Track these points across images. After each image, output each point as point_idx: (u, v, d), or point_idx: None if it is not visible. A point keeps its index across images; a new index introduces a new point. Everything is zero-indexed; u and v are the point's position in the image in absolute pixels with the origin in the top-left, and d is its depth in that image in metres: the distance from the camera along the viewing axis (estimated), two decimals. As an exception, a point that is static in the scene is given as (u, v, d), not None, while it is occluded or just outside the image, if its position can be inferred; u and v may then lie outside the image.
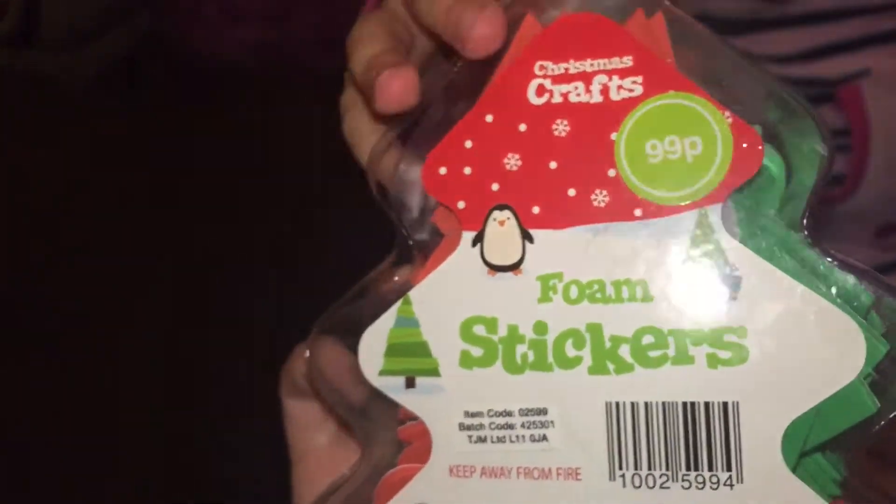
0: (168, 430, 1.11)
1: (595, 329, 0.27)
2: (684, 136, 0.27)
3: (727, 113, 0.26)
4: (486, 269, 0.28)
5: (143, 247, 1.38)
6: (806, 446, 0.26)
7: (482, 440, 0.28)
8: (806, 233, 0.27)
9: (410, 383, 0.29)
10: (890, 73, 0.51)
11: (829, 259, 0.27)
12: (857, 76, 0.51)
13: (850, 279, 0.26)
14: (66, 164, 1.50)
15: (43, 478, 1.10)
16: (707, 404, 0.26)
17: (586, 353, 0.27)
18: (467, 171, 0.29)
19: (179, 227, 1.38)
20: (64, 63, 1.64)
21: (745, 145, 0.26)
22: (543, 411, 0.28)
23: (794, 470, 0.26)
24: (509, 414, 0.28)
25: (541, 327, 0.28)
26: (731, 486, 0.26)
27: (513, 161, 0.28)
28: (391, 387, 0.29)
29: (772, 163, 0.27)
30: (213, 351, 1.13)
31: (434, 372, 0.29)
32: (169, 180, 1.43)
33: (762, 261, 0.26)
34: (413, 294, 0.29)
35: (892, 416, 0.25)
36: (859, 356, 0.25)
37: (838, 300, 0.26)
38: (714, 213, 0.26)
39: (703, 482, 0.26)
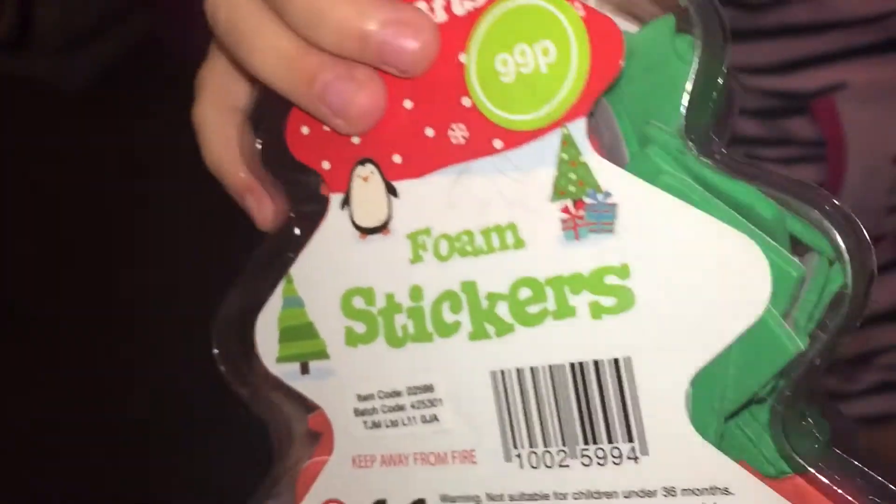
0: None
1: (470, 288, 0.23)
2: (534, 42, 0.22)
3: (577, 4, 0.21)
4: (357, 233, 0.25)
5: (135, 251, 1.41)
6: (725, 406, 0.21)
7: (377, 425, 0.25)
8: (713, 145, 0.22)
9: (305, 369, 0.26)
10: (864, 86, 0.50)
11: (734, 170, 0.21)
12: (831, 89, 0.51)
13: (756, 194, 0.21)
14: (59, 167, 1.52)
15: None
16: (596, 363, 0.22)
17: (465, 317, 0.23)
18: (326, 126, 0.25)
19: (172, 232, 1.39)
20: (58, 67, 1.63)
21: (602, 41, 0.21)
22: (430, 388, 0.24)
23: (717, 435, 0.21)
24: (398, 394, 0.25)
25: (416, 292, 0.24)
26: (636, 458, 0.21)
27: (366, 107, 0.25)
28: (289, 374, 0.27)
29: (679, 58, 0.22)
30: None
31: (323, 354, 0.26)
32: (160, 185, 1.42)
33: (641, 183, 0.21)
34: (293, 271, 0.26)
35: (822, 356, 0.20)
36: (763, 287, 0.20)
37: (745, 222, 0.20)
38: (578, 129, 0.22)
39: (605, 456, 0.22)
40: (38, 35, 1.59)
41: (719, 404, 0.21)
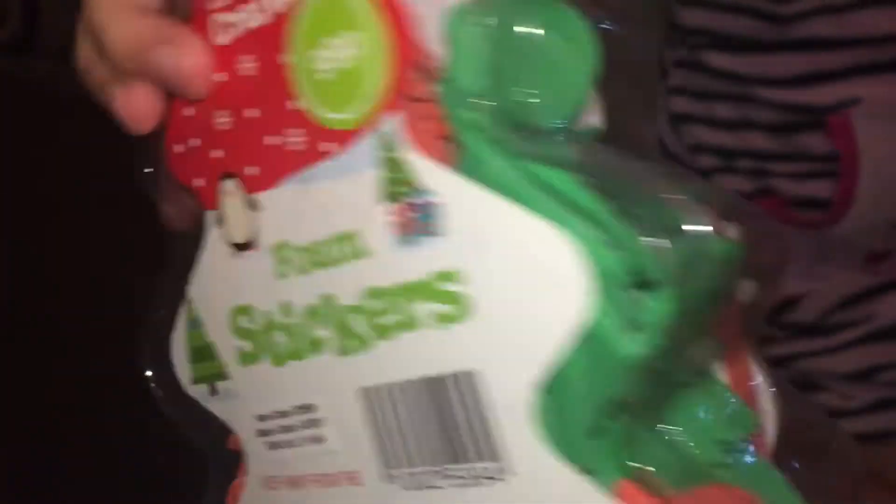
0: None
1: (329, 301, 0.22)
2: (343, 34, 0.20)
3: (377, -13, 0.19)
4: (231, 250, 0.24)
5: (136, 252, 1.37)
6: (582, 417, 0.18)
7: (277, 446, 0.24)
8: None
9: (213, 390, 0.26)
10: (881, 102, 0.51)
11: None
12: (847, 104, 0.51)
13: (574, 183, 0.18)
14: (62, 170, 1.53)
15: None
16: (454, 377, 0.20)
17: (330, 332, 0.22)
18: (196, 142, 0.24)
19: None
20: (62, 71, 1.67)
21: (401, 28, 0.19)
22: (311, 407, 0.23)
23: (584, 451, 0.19)
24: (286, 414, 0.24)
25: (286, 309, 0.23)
26: (503, 479, 0.19)
27: (222, 119, 0.23)
28: (202, 395, 0.26)
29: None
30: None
31: (225, 375, 0.25)
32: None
33: (460, 179, 0.19)
34: (191, 292, 0.26)
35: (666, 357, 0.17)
36: (580, 287, 0.17)
37: (568, 216, 0.18)
38: (391, 124, 0.19)
39: (474, 476, 0.20)
40: (43, 39, 1.62)
41: (578, 416, 0.19)
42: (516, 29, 0.19)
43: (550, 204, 0.18)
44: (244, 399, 0.25)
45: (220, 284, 0.25)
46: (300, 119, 0.21)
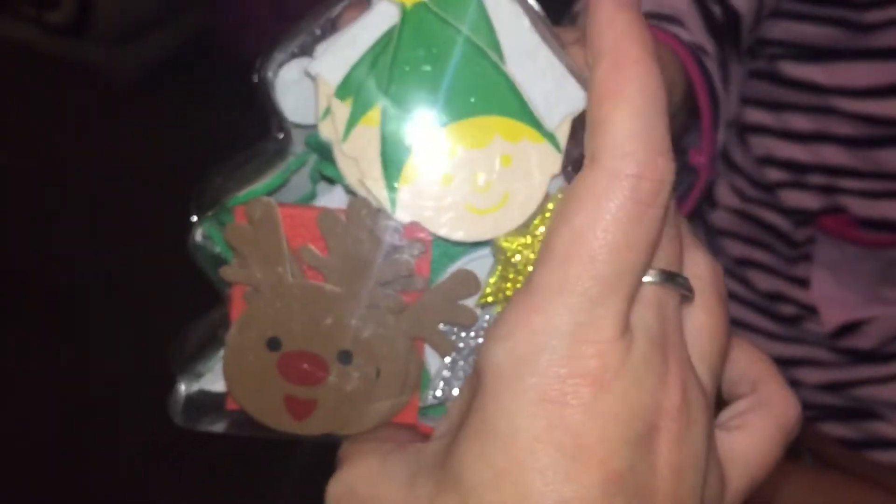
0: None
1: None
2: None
3: None
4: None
5: (178, 245, 1.37)
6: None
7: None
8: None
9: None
10: None
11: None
12: None
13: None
14: (109, 154, 1.54)
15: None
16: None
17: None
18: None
19: None
20: (114, 56, 1.65)
21: None
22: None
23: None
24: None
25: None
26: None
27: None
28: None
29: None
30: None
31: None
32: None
33: None
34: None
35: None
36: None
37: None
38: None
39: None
40: (96, 23, 1.63)
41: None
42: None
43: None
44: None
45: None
46: None
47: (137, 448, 1.22)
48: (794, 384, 0.68)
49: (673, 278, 0.25)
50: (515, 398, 0.23)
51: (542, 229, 0.29)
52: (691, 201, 0.47)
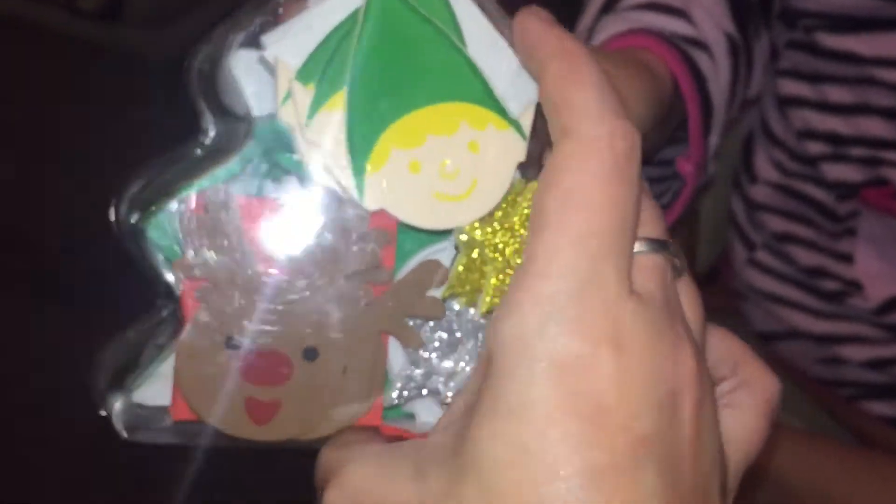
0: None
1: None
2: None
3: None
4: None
5: None
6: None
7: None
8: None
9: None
10: None
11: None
12: None
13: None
14: (146, 139, 1.50)
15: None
16: None
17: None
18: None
19: None
20: (148, 40, 1.62)
21: None
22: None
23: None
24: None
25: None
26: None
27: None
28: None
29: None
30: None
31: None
32: None
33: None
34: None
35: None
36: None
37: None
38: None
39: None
40: (130, 7, 1.59)
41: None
42: None
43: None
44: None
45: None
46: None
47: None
48: (839, 362, 0.67)
49: (665, 246, 0.26)
50: (528, 370, 0.22)
51: (515, 219, 0.29)
52: (678, 207, 0.47)
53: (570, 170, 0.24)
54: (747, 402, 0.27)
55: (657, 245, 0.25)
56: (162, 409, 0.29)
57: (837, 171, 0.62)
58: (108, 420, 0.28)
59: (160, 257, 0.28)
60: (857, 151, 0.61)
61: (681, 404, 0.23)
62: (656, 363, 0.23)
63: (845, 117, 0.61)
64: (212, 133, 0.30)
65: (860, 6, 0.56)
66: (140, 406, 0.29)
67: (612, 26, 0.48)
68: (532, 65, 0.27)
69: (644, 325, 0.23)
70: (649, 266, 0.25)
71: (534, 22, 0.27)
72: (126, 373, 0.29)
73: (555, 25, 0.27)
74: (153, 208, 0.28)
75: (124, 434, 0.28)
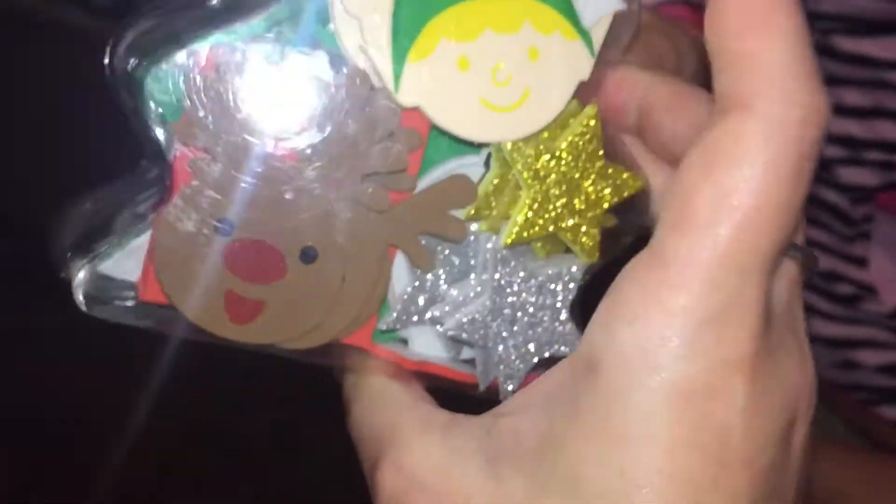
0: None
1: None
2: None
3: None
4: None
5: None
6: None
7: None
8: None
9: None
10: None
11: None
12: None
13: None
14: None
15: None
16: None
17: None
18: None
19: None
20: None
21: None
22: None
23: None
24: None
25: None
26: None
27: None
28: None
29: None
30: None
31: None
32: None
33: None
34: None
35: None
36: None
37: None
38: None
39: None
40: (141, 2, 1.58)
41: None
42: None
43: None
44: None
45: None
46: None
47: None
48: (853, 366, 0.67)
49: (800, 250, 0.22)
50: (648, 394, 0.19)
51: (562, 144, 0.25)
52: None
53: (738, 158, 0.19)
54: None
55: (797, 249, 0.22)
56: (129, 285, 0.26)
57: (852, 175, 0.61)
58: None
59: (155, 112, 0.25)
60: (872, 155, 0.60)
61: (795, 432, 0.21)
62: (785, 392, 0.21)
63: (860, 120, 0.60)
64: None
65: (876, 9, 0.56)
66: (106, 278, 0.26)
67: None
68: None
69: (776, 349, 0.21)
70: (786, 273, 0.22)
71: None
72: (95, 237, 0.26)
73: None
74: (155, 57, 0.24)
75: (83, 306, 0.25)
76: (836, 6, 0.58)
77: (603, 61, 0.25)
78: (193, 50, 0.23)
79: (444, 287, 0.26)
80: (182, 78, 0.23)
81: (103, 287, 0.26)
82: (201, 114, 0.23)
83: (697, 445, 0.19)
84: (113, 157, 0.26)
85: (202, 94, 0.23)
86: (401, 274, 0.26)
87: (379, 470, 0.22)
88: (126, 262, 0.26)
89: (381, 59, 0.24)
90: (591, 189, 0.26)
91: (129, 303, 0.26)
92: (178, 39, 0.24)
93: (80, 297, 0.25)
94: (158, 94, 0.24)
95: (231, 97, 0.23)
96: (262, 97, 0.23)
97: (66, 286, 0.25)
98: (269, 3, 0.24)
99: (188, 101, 0.23)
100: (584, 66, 0.25)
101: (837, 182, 0.63)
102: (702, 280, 0.20)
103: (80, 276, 0.25)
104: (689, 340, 0.19)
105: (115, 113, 0.24)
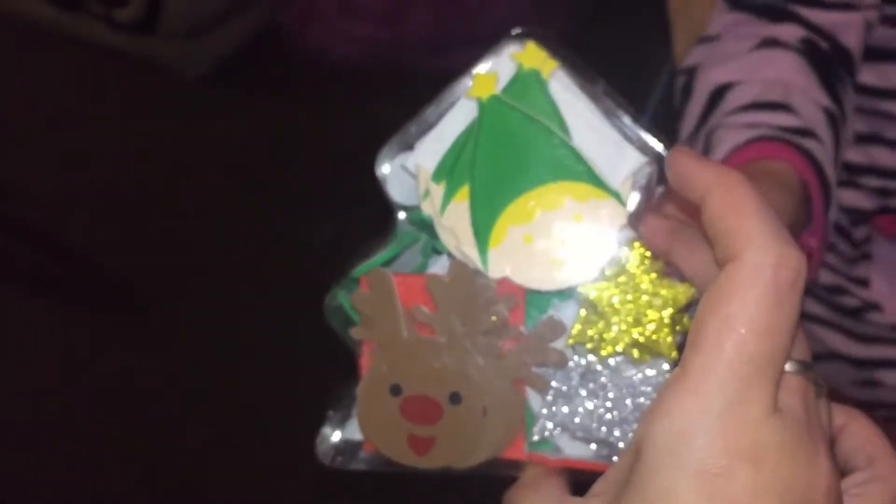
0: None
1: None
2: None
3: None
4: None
5: (245, 238, 1.42)
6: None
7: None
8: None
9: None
10: None
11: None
12: None
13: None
14: (177, 150, 1.54)
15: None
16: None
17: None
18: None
19: (286, 219, 1.41)
20: (182, 52, 1.66)
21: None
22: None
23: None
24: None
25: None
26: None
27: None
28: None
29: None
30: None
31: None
32: (276, 172, 1.46)
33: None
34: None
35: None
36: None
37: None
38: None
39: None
40: (165, 20, 1.63)
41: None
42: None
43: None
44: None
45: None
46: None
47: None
48: (876, 384, 0.67)
49: (809, 368, 0.28)
50: (673, 473, 0.25)
51: (622, 278, 0.33)
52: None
53: (733, 295, 0.26)
54: (879, 496, 0.29)
55: (803, 366, 0.28)
56: (358, 443, 0.37)
57: (851, 198, 0.63)
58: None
59: (348, 317, 0.37)
60: (868, 180, 0.62)
61: None
62: (792, 478, 0.25)
63: (858, 147, 0.61)
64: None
65: (874, 36, 0.56)
66: (345, 440, 0.38)
67: (730, 138, 0.51)
68: (692, 195, 0.29)
69: (782, 442, 0.26)
70: (794, 386, 0.27)
71: (687, 157, 0.29)
72: (338, 414, 0.38)
73: (708, 159, 0.30)
74: (340, 284, 0.37)
75: (327, 462, 0.37)
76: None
77: (639, 207, 0.34)
78: (355, 277, 0.36)
79: (564, 401, 0.35)
80: (350, 298, 0.35)
81: (339, 447, 0.37)
82: (367, 318, 0.35)
83: None
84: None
85: (365, 306, 0.35)
86: (537, 396, 0.35)
87: None
88: (354, 426, 0.37)
89: (472, 253, 0.34)
90: (656, 302, 0.33)
91: (361, 455, 0.37)
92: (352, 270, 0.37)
93: (323, 457, 0.37)
94: (347, 309, 0.37)
95: (382, 303, 0.35)
96: (403, 298, 0.35)
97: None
98: (396, 235, 0.36)
99: (358, 312, 0.35)
100: (620, 215, 0.33)
101: (839, 203, 0.64)
102: (709, 387, 0.26)
103: (330, 441, 0.37)
104: (703, 434, 0.26)
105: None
